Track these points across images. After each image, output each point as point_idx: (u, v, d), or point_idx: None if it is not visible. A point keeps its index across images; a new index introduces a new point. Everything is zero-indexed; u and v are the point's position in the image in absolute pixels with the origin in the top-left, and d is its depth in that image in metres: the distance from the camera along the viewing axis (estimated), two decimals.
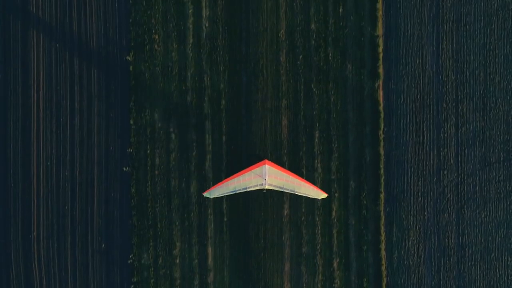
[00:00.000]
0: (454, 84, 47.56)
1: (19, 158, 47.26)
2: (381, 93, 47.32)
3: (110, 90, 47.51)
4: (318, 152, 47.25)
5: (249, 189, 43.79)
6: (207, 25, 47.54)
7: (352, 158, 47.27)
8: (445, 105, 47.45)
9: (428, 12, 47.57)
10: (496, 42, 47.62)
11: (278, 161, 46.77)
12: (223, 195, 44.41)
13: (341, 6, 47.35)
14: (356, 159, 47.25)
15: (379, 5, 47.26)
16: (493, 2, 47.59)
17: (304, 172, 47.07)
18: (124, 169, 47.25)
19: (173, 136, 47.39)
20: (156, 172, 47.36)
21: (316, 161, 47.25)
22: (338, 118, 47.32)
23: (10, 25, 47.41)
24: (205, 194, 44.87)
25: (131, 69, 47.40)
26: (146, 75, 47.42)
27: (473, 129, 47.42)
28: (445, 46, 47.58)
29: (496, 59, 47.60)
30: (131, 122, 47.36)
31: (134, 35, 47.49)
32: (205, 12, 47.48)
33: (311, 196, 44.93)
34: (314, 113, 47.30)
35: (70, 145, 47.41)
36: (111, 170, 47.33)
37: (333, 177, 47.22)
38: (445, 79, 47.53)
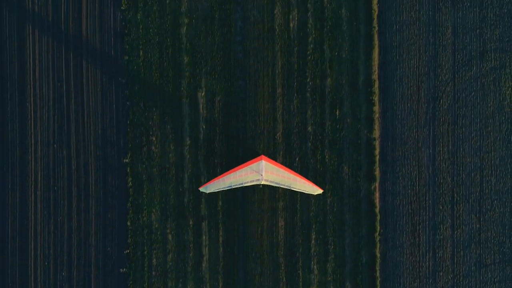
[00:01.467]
0: (450, 186, 47.74)
1: (16, 259, 47.44)
2: (377, 194, 47.50)
3: (107, 191, 47.69)
4: (315, 253, 47.43)
5: (245, 185, 43.94)
6: (204, 127, 47.74)
7: (348, 260, 47.46)
8: (441, 207, 47.63)
9: (425, 114, 47.77)
10: (492, 144, 47.82)
11: (274, 262, 47.07)
12: (219, 190, 44.52)
13: (337, 109, 47.54)
14: (352, 261, 47.43)
15: (376, 108, 47.47)
16: (489, 105, 47.79)
17: (301, 274, 47.29)
18: (121, 270, 47.42)
19: (170, 237, 47.58)
20: (153, 273, 47.55)
21: (312, 263, 47.42)
22: (335, 219, 47.51)
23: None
24: (201, 189, 44.92)
25: (128, 170, 47.58)
26: (144, 176, 47.62)
27: (469, 231, 47.60)
28: (441, 148, 47.78)
29: (492, 161, 47.79)
30: (128, 223, 47.55)
31: (131, 136, 47.70)
32: (202, 114, 47.68)
33: (307, 192, 45.18)
34: (311, 214, 47.48)
35: (67, 246, 47.58)
36: (108, 271, 47.51)
37: (329, 278, 47.40)
38: (441, 181, 47.71)
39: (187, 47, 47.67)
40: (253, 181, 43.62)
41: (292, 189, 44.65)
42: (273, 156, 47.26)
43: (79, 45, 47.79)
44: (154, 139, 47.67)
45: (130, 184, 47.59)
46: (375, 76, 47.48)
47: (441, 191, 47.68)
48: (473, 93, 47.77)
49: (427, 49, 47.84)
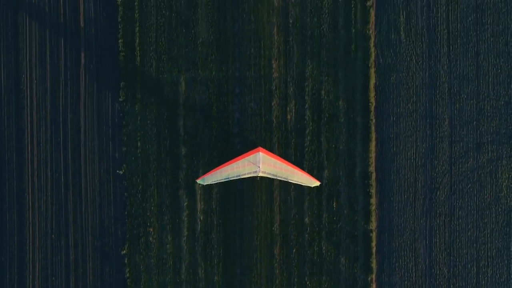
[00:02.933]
0: (446, 277, 47.90)
1: None
2: (374, 286, 47.65)
3: (105, 281, 47.86)
4: None
5: (242, 177, 43.93)
6: (201, 218, 47.91)
7: None
8: None
9: (421, 206, 47.91)
10: (488, 236, 47.96)
11: None
12: (216, 182, 44.55)
13: (334, 201, 47.70)
14: None
15: (373, 200, 47.61)
16: (486, 197, 47.92)
17: None
18: None
19: None
20: None
21: None
22: None
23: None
24: (199, 181, 45.05)
25: (126, 261, 47.74)
26: (141, 267, 47.78)
27: None
28: (437, 240, 47.92)
29: (489, 253, 47.94)
30: None
31: (129, 227, 47.86)
32: (200, 206, 47.84)
33: (304, 184, 45.27)
34: None
35: None
36: None
37: None
38: (438, 272, 47.87)
39: (184, 138, 47.82)
40: (250, 173, 43.56)
41: (289, 181, 44.62)
42: (271, 247, 47.47)
43: (78, 136, 47.91)
44: (151, 230, 47.82)
45: (128, 275, 47.76)
46: (372, 168, 47.62)
47: (437, 282, 47.84)
48: (469, 185, 47.91)
49: (424, 140, 47.99)
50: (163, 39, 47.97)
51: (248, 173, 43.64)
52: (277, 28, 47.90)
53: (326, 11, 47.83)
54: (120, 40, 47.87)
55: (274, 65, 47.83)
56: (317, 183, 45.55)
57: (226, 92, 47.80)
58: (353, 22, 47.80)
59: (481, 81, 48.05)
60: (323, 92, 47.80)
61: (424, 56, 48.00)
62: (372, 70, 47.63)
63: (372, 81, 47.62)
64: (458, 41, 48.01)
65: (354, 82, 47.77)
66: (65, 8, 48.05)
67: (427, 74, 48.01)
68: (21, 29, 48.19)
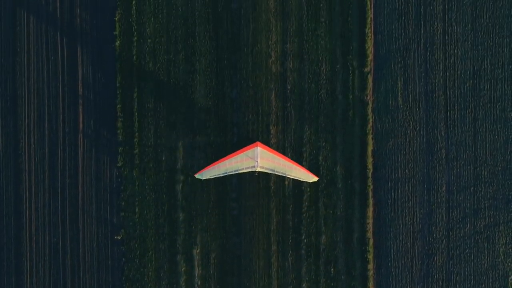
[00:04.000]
0: None
1: None
2: None
3: None
4: None
5: (240, 171, 43.96)
6: (199, 283, 47.97)
7: None
8: None
9: (419, 271, 48.02)
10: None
11: None
12: (214, 176, 44.54)
13: (332, 266, 47.79)
14: None
15: (370, 266, 47.70)
16: (483, 262, 48.03)
17: None
18: None
19: None
20: None
21: None
22: None
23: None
24: (197, 176, 45.04)
25: None
26: None
27: None
28: None
29: None
30: None
31: None
32: (197, 271, 47.91)
33: (302, 179, 45.36)
34: None
35: None
36: None
37: None
38: None
39: (182, 204, 47.92)
40: (248, 167, 43.63)
41: (288, 176, 44.72)
42: None
43: (76, 201, 48.01)
44: None
45: None
46: (369, 233, 47.73)
47: None
48: (467, 250, 48.03)
49: (421, 206, 48.12)
50: (161, 105, 48.09)
51: (246, 168, 43.66)
52: (275, 93, 48.06)
53: (324, 77, 48.00)
54: (118, 106, 48.01)
55: (272, 131, 47.97)
56: (315, 179, 45.61)
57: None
58: (350, 88, 47.97)
59: (479, 147, 48.21)
60: (321, 157, 47.94)
61: (422, 122, 48.17)
62: (370, 137, 47.79)
63: (370, 148, 47.76)
64: (456, 107, 48.19)
65: (352, 148, 47.91)
66: (63, 73, 48.17)
67: (424, 139, 48.17)
68: (19, 93, 48.27)
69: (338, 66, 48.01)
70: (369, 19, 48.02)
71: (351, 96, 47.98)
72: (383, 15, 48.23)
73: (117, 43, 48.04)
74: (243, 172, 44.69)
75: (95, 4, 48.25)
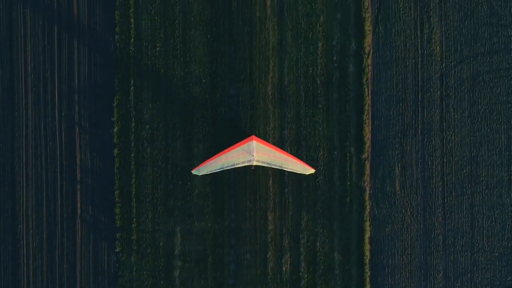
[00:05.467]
0: None
1: None
2: None
3: None
4: None
5: (237, 166, 43.97)
6: None
7: None
8: None
9: None
10: None
11: None
12: (211, 172, 44.55)
13: None
14: None
15: None
16: None
17: None
18: None
19: None
20: None
21: None
22: None
23: None
24: (194, 172, 44.97)
25: None
26: None
27: None
28: None
29: None
30: None
31: None
32: None
33: (298, 172, 45.30)
34: None
35: None
36: None
37: None
38: None
39: None
40: (244, 162, 43.61)
41: (284, 169, 44.72)
42: None
43: (73, 286, 48.11)
44: None
45: None
46: None
47: None
48: None
49: None
50: (159, 190, 48.22)
51: (242, 162, 43.63)
52: (272, 180, 48.15)
53: (322, 163, 48.12)
54: (116, 192, 48.11)
55: (269, 217, 48.08)
56: (312, 171, 45.54)
57: (221, 244, 48.03)
58: (348, 174, 48.09)
59: (476, 233, 48.30)
60: (318, 244, 48.04)
61: (419, 208, 48.27)
62: (367, 223, 47.90)
63: (367, 234, 47.87)
64: (453, 193, 48.29)
65: (349, 234, 48.02)
66: (61, 159, 48.28)
67: (421, 226, 48.27)
68: (18, 179, 48.40)
69: (335, 152, 48.13)
70: (367, 105, 48.14)
71: (348, 183, 48.09)
72: (380, 101, 48.36)
73: (115, 129, 48.16)
74: (240, 167, 44.50)
75: (94, 90, 48.39)
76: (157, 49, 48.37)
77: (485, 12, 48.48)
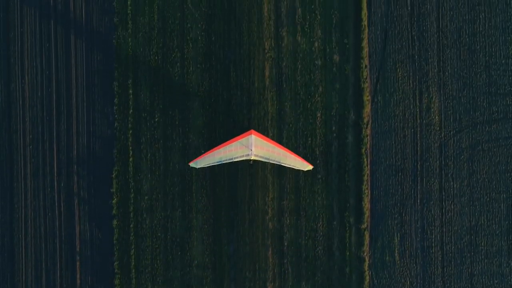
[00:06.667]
0: None
1: None
2: None
3: None
4: None
5: (235, 160, 43.61)
6: None
7: None
8: None
9: None
10: None
11: None
12: (209, 165, 44.30)
13: None
14: None
15: None
16: None
17: None
18: None
19: None
20: None
21: None
22: None
23: None
24: (191, 164, 44.70)
25: None
26: None
27: None
28: None
29: None
30: None
31: None
32: None
33: (297, 168, 45.09)
34: None
35: None
36: None
37: None
38: None
39: None
40: (243, 156, 43.26)
41: (282, 164, 44.44)
42: None
43: None
44: None
45: None
46: None
47: None
48: None
49: None
50: (158, 261, 48.19)
51: (240, 156, 43.31)
52: (272, 250, 48.12)
53: (321, 233, 48.08)
54: (115, 263, 48.08)
55: (269, 287, 48.05)
56: (310, 167, 45.43)
57: None
58: (347, 244, 48.04)
59: None
60: None
61: (419, 278, 48.21)
62: None
63: None
64: (452, 262, 48.24)
65: None
66: (60, 230, 48.28)
67: None
68: (17, 250, 48.40)
69: (335, 222, 48.09)
70: (366, 175, 48.09)
71: (347, 253, 48.04)
72: (379, 171, 48.32)
73: (114, 200, 48.13)
74: (238, 161, 44.12)
75: (93, 161, 48.35)
76: (156, 119, 48.34)
77: (484, 82, 48.45)
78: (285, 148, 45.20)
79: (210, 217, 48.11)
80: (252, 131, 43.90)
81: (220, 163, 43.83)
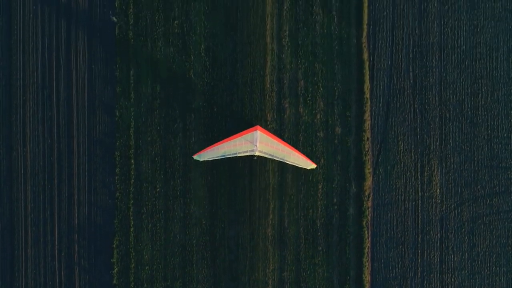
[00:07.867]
0: None
1: None
2: None
3: None
4: None
5: (239, 155, 43.54)
6: None
7: None
8: None
9: None
10: None
11: None
12: (212, 159, 44.23)
13: None
14: None
15: None
16: None
17: None
18: None
19: None
20: None
21: None
22: None
23: None
24: (195, 157, 44.69)
25: None
26: None
27: None
28: None
29: None
30: None
31: None
32: None
33: (300, 166, 45.23)
34: None
35: None
36: None
37: None
38: None
39: None
40: (247, 151, 43.19)
41: (286, 161, 44.46)
42: None
43: None
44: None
45: None
46: None
47: None
48: None
49: None
50: None
51: (244, 152, 43.21)
52: None
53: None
54: None
55: None
56: (313, 166, 45.53)
57: None
58: None
59: None
60: None
61: None
62: None
63: None
64: None
65: None
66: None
67: None
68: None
69: None
70: (366, 248, 48.10)
71: None
72: (380, 243, 48.33)
73: (115, 270, 48.12)
74: (241, 156, 44.08)
75: (94, 230, 48.33)
76: (157, 190, 48.33)
77: (485, 155, 48.47)
78: (290, 146, 45.09)
79: None
80: (258, 126, 43.71)
81: (223, 157, 43.56)
